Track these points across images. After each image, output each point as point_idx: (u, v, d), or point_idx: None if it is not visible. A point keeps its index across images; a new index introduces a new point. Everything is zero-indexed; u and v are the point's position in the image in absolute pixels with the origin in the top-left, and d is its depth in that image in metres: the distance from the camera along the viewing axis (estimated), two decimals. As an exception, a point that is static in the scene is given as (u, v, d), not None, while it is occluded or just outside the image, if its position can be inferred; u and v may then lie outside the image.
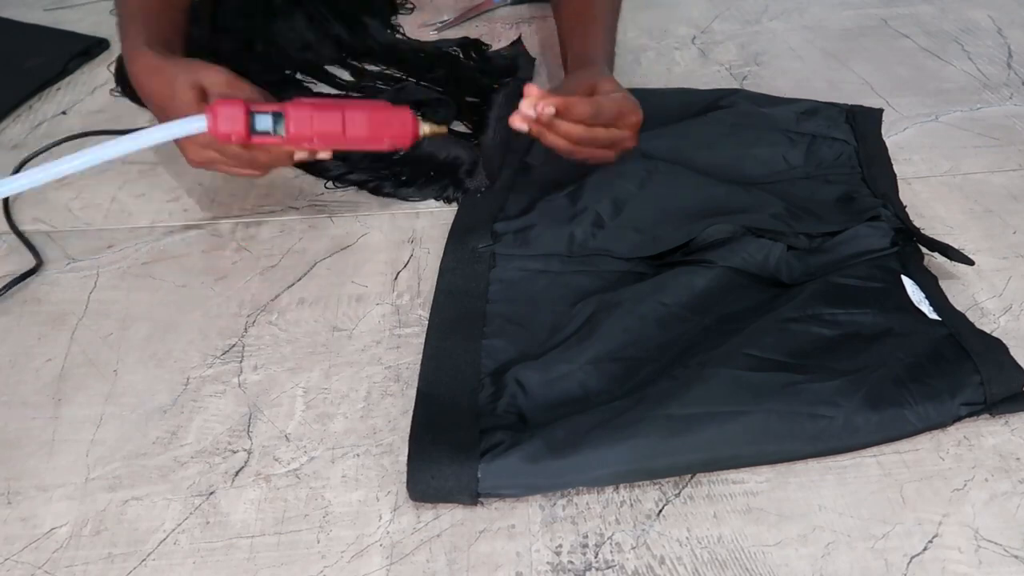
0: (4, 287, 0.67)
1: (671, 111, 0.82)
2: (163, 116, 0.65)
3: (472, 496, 0.51)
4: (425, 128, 0.65)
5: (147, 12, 0.71)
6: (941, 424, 0.54)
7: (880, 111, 0.83)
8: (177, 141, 0.63)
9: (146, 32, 0.69)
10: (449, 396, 0.56)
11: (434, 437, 0.53)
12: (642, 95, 0.84)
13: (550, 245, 0.66)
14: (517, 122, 0.62)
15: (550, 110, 0.61)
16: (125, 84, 0.91)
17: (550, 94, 0.62)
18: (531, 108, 0.61)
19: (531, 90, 0.62)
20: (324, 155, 0.66)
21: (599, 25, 0.78)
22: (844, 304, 0.59)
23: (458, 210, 0.73)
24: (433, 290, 0.65)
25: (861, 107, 0.82)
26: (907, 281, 0.62)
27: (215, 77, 0.63)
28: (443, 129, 0.67)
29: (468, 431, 0.53)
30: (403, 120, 0.64)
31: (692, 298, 0.61)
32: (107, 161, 0.59)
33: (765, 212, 0.67)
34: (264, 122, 0.60)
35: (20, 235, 0.72)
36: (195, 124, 0.60)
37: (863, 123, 0.80)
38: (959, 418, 0.54)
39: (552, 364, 0.57)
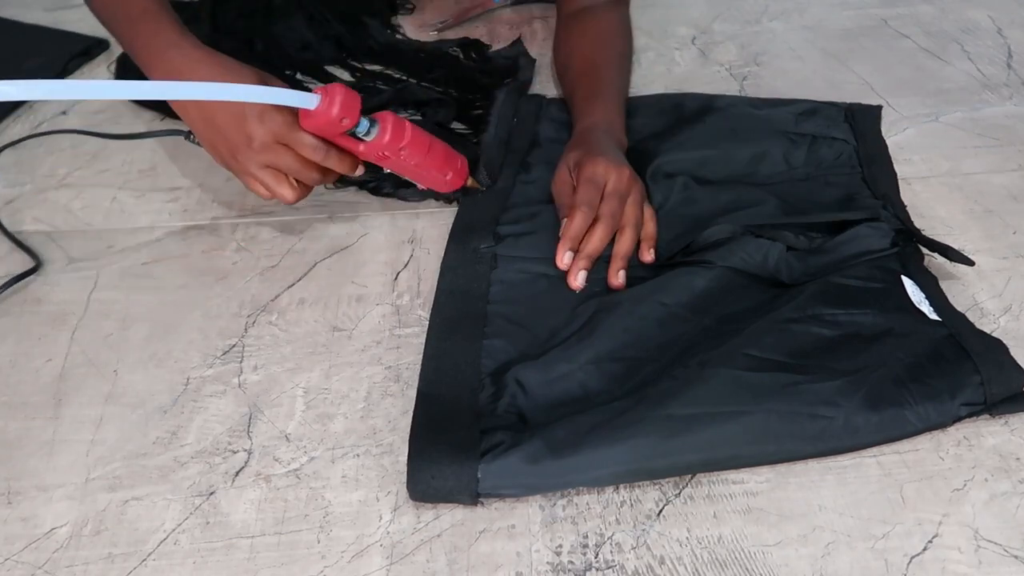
0: (3, 286, 0.66)
1: (665, 114, 0.82)
2: (211, 110, 0.62)
3: (472, 496, 0.51)
4: (470, 180, 0.69)
5: (162, 5, 0.67)
6: (941, 424, 0.54)
7: (879, 108, 0.83)
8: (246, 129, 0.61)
9: (175, 25, 0.66)
10: (449, 396, 0.56)
11: (434, 437, 0.53)
12: (634, 101, 0.85)
13: (551, 248, 0.66)
14: (573, 282, 0.64)
15: (568, 257, 0.64)
16: (126, 72, 0.91)
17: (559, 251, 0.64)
18: (573, 272, 0.64)
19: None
20: (359, 172, 0.66)
21: (601, 88, 0.77)
22: (844, 304, 0.59)
23: (459, 210, 0.73)
24: (433, 290, 0.65)
25: (860, 105, 0.82)
26: (907, 281, 0.62)
27: (270, 80, 0.63)
28: (480, 187, 0.70)
29: (468, 431, 0.53)
30: (463, 164, 0.68)
31: (692, 298, 0.61)
32: (190, 95, 0.54)
33: (763, 212, 0.67)
34: (362, 124, 0.60)
35: (12, 238, 0.72)
36: (307, 99, 0.57)
37: (862, 121, 0.80)
38: (959, 418, 0.54)
39: (552, 364, 0.57)
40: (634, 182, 0.67)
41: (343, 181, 0.77)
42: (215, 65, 0.62)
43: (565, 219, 0.65)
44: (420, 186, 0.69)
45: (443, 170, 0.66)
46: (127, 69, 0.92)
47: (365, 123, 0.60)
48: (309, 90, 0.57)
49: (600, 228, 0.64)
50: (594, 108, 0.75)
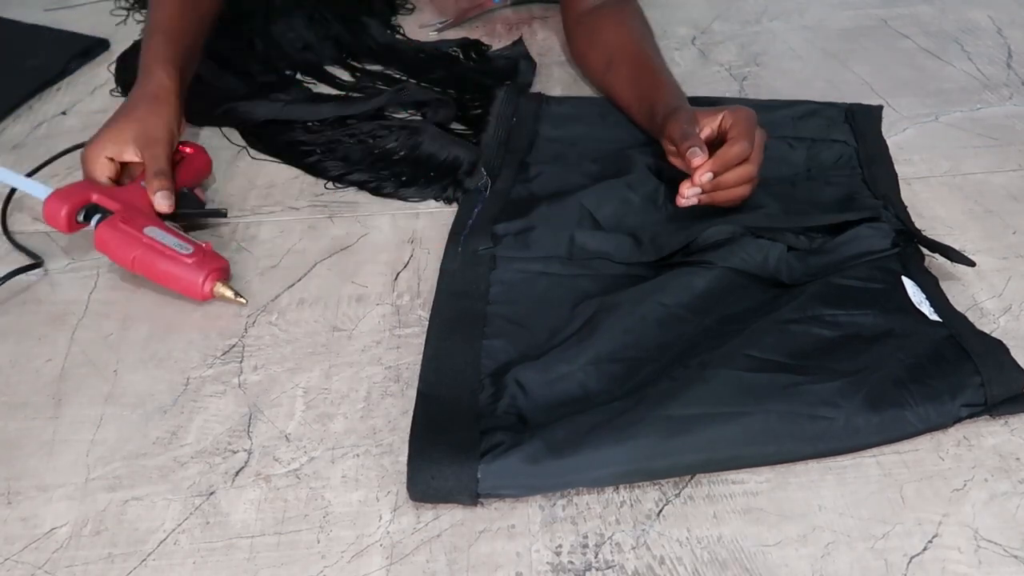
0: (5, 277, 0.67)
1: None
2: (111, 122, 0.71)
3: (472, 496, 0.51)
4: (223, 291, 0.65)
5: (172, 26, 0.76)
6: (942, 425, 0.54)
7: (879, 108, 0.83)
8: None
9: (168, 51, 0.74)
10: (449, 397, 0.56)
11: (434, 437, 0.52)
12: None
13: (550, 248, 0.66)
14: (684, 201, 0.64)
15: (708, 176, 0.63)
16: (126, 85, 0.91)
17: (700, 160, 0.63)
18: (694, 188, 0.64)
19: (695, 158, 0.63)
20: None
21: (663, 73, 0.78)
22: (845, 305, 0.59)
23: (458, 210, 0.73)
24: (433, 290, 0.65)
25: (860, 105, 0.82)
26: (908, 282, 0.62)
27: (153, 164, 0.68)
28: (241, 301, 0.65)
29: (468, 431, 0.53)
30: (193, 283, 0.64)
31: (692, 299, 0.61)
32: None
33: (762, 212, 0.67)
34: (90, 216, 0.67)
35: (12, 240, 0.72)
36: (39, 192, 0.68)
37: (862, 121, 0.80)
38: (960, 419, 0.54)
39: (552, 365, 0.57)
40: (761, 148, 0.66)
41: (343, 181, 0.77)
42: (142, 106, 0.71)
43: (704, 149, 0.63)
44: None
45: (167, 284, 0.65)
46: (127, 70, 0.92)
47: (91, 215, 0.67)
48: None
49: (748, 170, 0.64)
50: (672, 94, 0.74)
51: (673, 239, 0.65)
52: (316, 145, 0.80)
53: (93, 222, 0.66)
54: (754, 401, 0.53)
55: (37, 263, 0.69)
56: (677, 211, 0.69)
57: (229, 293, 0.65)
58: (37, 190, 0.68)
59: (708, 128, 0.67)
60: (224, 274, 0.66)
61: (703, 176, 0.63)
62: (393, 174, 0.77)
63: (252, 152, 0.82)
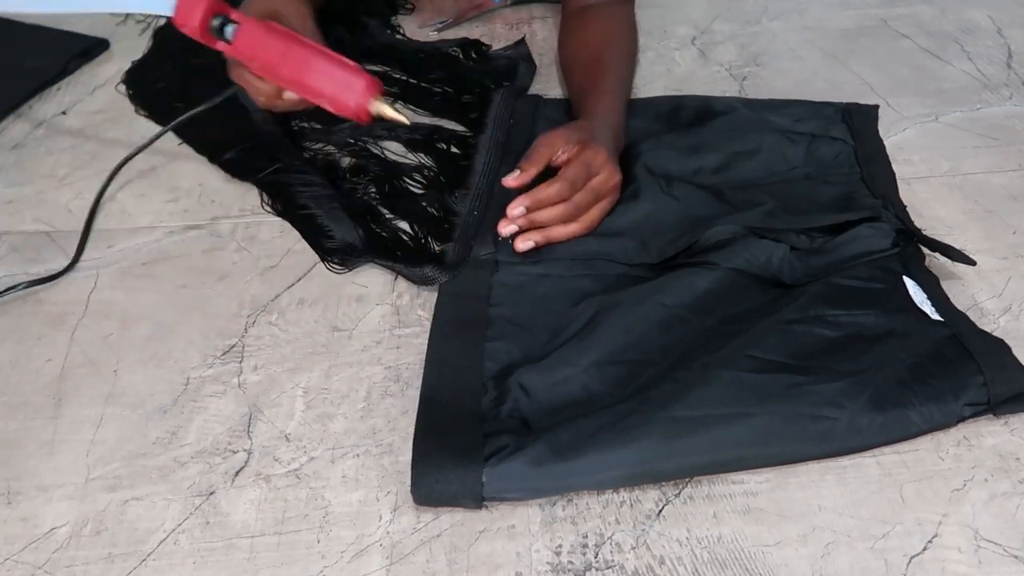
0: (38, 281, 0.67)
1: (663, 118, 0.82)
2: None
3: (477, 500, 0.51)
4: (381, 108, 0.59)
5: None
6: (945, 425, 0.54)
7: (876, 108, 0.82)
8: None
9: None
10: (452, 400, 0.56)
11: (438, 441, 0.52)
12: (635, 105, 0.85)
13: (551, 252, 0.66)
14: (504, 231, 0.66)
15: (519, 210, 0.65)
16: (137, 87, 0.91)
17: (509, 181, 0.66)
18: (509, 226, 0.65)
19: (504, 179, 0.66)
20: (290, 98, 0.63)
21: (607, 84, 0.77)
22: (846, 305, 0.59)
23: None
24: (433, 291, 0.65)
25: (857, 105, 0.82)
26: (909, 282, 0.62)
27: (289, 8, 0.64)
28: (402, 118, 0.60)
29: (472, 435, 0.53)
30: (357, 88, 0.58)
31: (694, 299, 0.61)
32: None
33: (760, 211, 0.67)
34: (221, 27, 0.60)
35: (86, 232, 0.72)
36: (163, 4, 0.61)
37: (859, 121, 0.80)
38: (963, 419, 0.54)
39: (554, 367, 0.57)
40: (614, 191, 0.68)
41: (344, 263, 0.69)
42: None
43: (528, 171, 0.65)
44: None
45: (317, 93, 0.59)
46: (136, 84, 0.91)
47: (226, 26, 0.60)
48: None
49: (563, 209, 0.65)
50: (598, 104, 0.74)
51: (676, 241, 0.65)
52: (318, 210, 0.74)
53: (231, 28, 0.60)
54: (757, 402, 0.53)
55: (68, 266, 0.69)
56: (678, 208, 0.69)
57: (388, 110, 0.59)
58: (156, 3, 0.61)
59: (564, 154, 0.66)
60: (382, 90, 0.59)
61: (517, 211, 0.65)
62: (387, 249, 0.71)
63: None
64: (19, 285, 0.66)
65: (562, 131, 0.68)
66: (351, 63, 0.59)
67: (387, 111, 0.58)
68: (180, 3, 0.59)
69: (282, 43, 0.59)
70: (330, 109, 0.60)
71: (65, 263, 0.70)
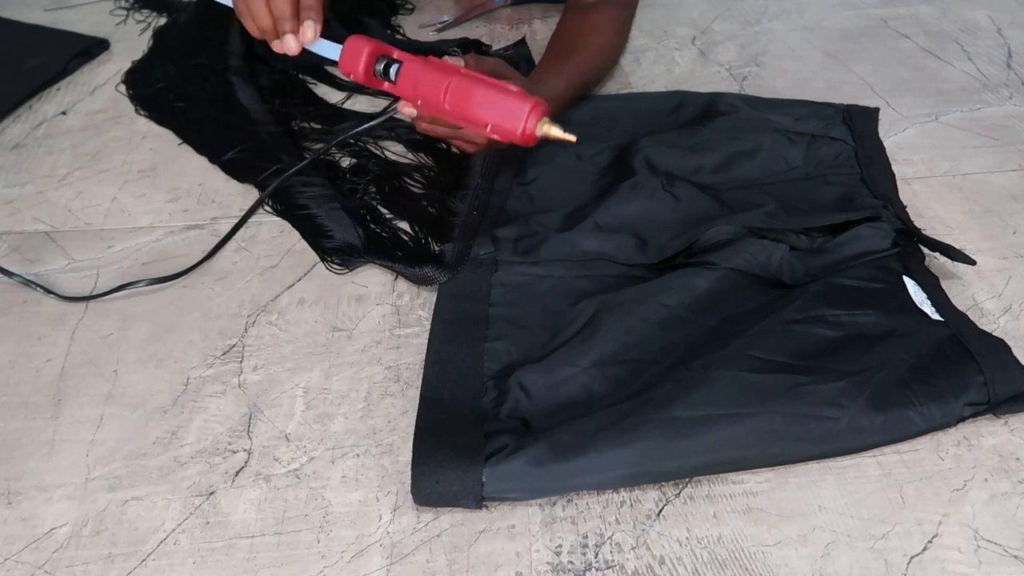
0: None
1: (666, 115, 0.82)
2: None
3: (477, 500, 0.51)
4: (546, 128, 0.56)
5: None
6: (945, 424, 0.54)
7: (876, 110, 0.82)
8: None
9: None
10: (452, 400, 0.56)
11: (438, 441, 0.52)
12: (635, 98, 0.85)
13: (551, 252, 0.66)
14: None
15: (409, 111, 0.63)
16: (137, 87, 0.91)
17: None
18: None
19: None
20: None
21: (557, 61, 0.78)
22: (846, 305, 0.59)
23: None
24: (433, 290, 0.65)
25: (857, 106, 0.82)
26: (909, 282, 0.62)
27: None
28: (570, 137, 0.57)
29: (472, 435, 0.53)
30: (516, 111, 0.55)
31: (694, 300, 0.61)
32: None
33: (760, 211, 0.67)
34: (380, 67, 0.61)
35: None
36: (331, 51, 0.62)
37: (860, 123, 0.80)
38: (963, 419, 0.54)
39: (555, 367, 0.57)
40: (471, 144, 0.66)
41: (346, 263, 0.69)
42: None
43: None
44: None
45: (478, 121, 0.57)
46: (136, 84, 0.91)
47: (383, 67, 0.61)
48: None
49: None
50: (543, 78, 0.74)
51: (676, 240, 0.65)
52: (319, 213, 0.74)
53: (394, 69, 0.60)
54: (758, 402, 0.53)
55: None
56: (677, 206, 0.69)
57: (557, 131, 0.56)
58: (327, 48, 0.62)
59: None
60: (547, 111, 0.57)
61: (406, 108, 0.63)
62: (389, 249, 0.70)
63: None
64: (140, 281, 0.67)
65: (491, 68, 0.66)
66: (513, 88, 0.57)
67: (554, 132, 0.56)
68: (345, 51, 0.61)
69: (443, 77, 0.58)
70: (495, 137, 0.58)
71: (65, 263, 0.70)
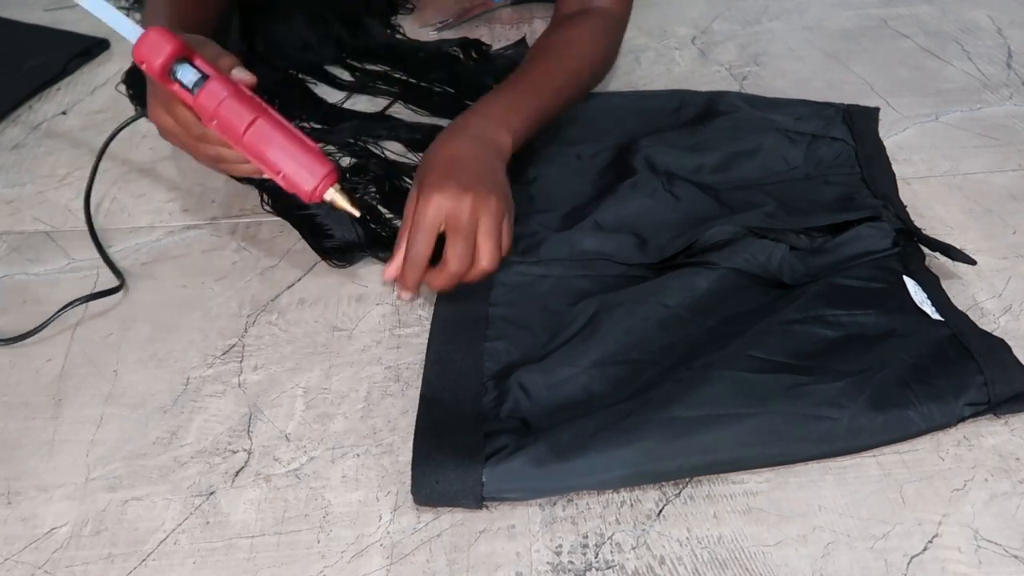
0: (85, 298, 0.65)
1: (667, 114, 0.82)
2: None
3: (477, 500, 0.51)
4: (335, 197, 0.56)
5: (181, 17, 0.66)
6: (946, 424, 0.54)
7: (876, 110, 0.83)
8: (148, 100, 0.60)
9: (168, 13, 0.65)
10: (452, 400, 0.56)
11: (438, 441, 0.52)
12: (635, 97, 0.85)
13: (551, 251, 0.66)
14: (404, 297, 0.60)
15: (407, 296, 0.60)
16: (137, 87, 0.91)
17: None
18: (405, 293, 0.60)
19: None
20: (247, 169, 0.59)
21: (523, 78, 0.70)
22: (847, 305, 0.59)
23: None
24: (432, 291, 0.65)
25: (857, 106, 0.82)
26: (909, 282, 0.62)
27: (211, 51, 0.57)
28: (355, 212, 0.57)
29: (472, 435, 0.53)
30: (313, 171, 0.55)
31: (694, 299, 0.61)
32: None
33: (760, 211, 0.67)
34: (186, 74, 0.54)
35: (107, 260, 0.70)
36: (131, 30, 0.53)
37: (860, 123, 0.80)
38: (963, 419, 0.54)
39: (555, 368, 0.57)
40: (482, 206, 0.57)
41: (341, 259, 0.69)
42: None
43: (395, 260, 0.59)
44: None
45: (272, 167, 0.55)
46: (136, 84, 0.91)
47: (191, 75, 0.53)
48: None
49: (447, 273, 0.58)
50: (497, 97, 0.66)
51: (676, 240, 0.65)
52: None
53: (192, 76, 0.54)
54: (758, 402, 0.53)
55: (118, 286, 0.67)
56: (677, 206, 0.69)
57: (343, 201, 0.56)
58: (127, 27, 0.53)
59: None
60: (338, 179, 0.56)
61: (391, 273, 0.59)
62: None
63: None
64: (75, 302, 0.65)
65: (411, 193, 0.60)
66: (314, 145, 0.56)
67: (340, 202, 0.56)
68: (144, 37, 0.53)
69: (252, 111, 0.54)
70: (281, 184, 0.56)
71: (65, 263, 0.70)
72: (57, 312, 0.64)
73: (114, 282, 0.67)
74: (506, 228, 0.59)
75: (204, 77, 0.54)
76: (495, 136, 0.63)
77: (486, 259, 0.58)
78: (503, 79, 0.87)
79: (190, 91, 0.54)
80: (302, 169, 0.54)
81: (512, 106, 0.66)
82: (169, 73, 0.54)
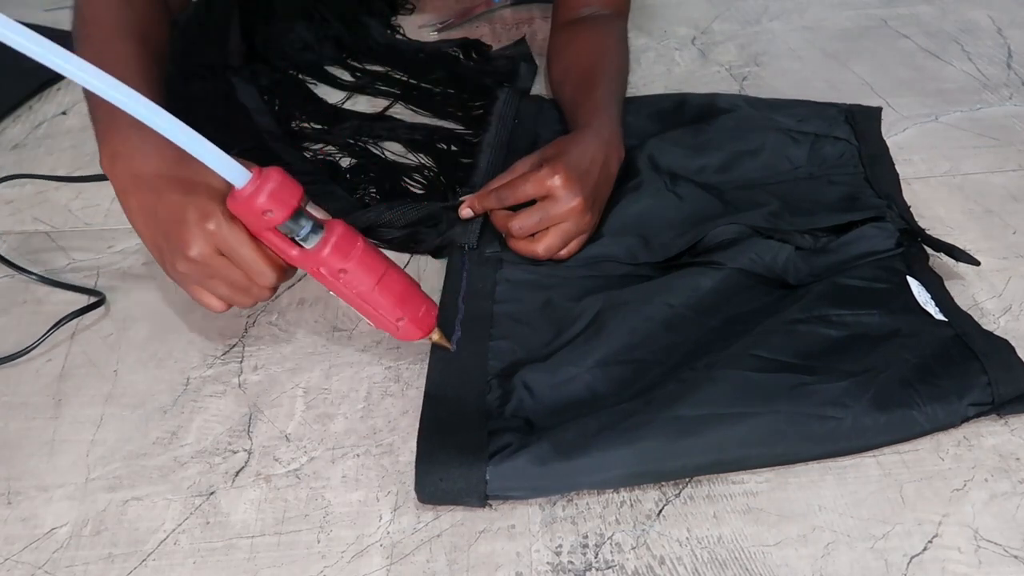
0: (68, 316, 0.64)
1: (667, 115, 0.82)
2: (164, 246, 0.53)
3: (481, 498, 0.51)
4: (436, 337, 0.56)
5: (143, 77, 0.58)
6: (949, 424, 0.54)
7: (879, 110, 0.83)
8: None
9: (138, 80, 0.56)
10: (456, 398, 0.55)
11: (442, 439, 0.52)
12: (638, 101, 0.85)
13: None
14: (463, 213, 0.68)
15: (467, 212, 0.67)
16: None
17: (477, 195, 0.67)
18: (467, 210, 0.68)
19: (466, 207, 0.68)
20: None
21: (599, 91, 0.74)
22: (850, 305, 0.59)
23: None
24: (435, 289, 0.65)
25: (860, 106, 0.83)
26: (913, 282, 0.62)
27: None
28: (447, 345, 0.57)
29: (476, 433, 0.52)
30: (427, 312, 0.54)
31: (698, 299, 0.61)
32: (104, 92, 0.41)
33: (764, 210, 0.67)
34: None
35: (64, 284, 0.67)
36: (236, 172, 0.44)
37: (863, 122, 0.80)
38: (967, 419, 0.54)
39: (559, 367, 0.57)
40: (573, 215, 0.62)
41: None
42: (170, 157, 0.52)
43: (505, 193, 0.64)
44: (367, 322, 0.54)
45: (394, 312, 0.52)
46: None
47: (306, 224, 0.48)
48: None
49: (505, 225, 0.64)
50: (591, 117, 0.71)
51: (680, 239, 0.65)
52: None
53: (309, 228, 0.48)
54: (762, 402, 0.53)
55: (99, 301, 0.65)
56: (681, 206, 0.69)
57: (437, 336, 0.56)
58: (227, 165, 0.44)
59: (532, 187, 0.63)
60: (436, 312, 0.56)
61: (463, 209, 0.67)
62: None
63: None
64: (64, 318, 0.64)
65: (535, 154, 0.66)
66: (426, 297, 0.54)
67: (436, 338, 0.56)
68: (266, 182, 0.45)
69: (381, 263, 0.51)
70: (396, 331, 0.54)
71: (65, 263, 0.70)
72: (48, 330, 0.62)
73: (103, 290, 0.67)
74: (576, 244, 0.65)
75: (318, 227, 0.48)
76: (611, 145, 0.68)
77: (543, 245, 0.64)
78: (503, 79, 0.87)
79: (299, 243, 0.48)
80: (417, 317, 0.53)
81: (611, 120, 0.71)
82: (288, 232, 0.48)
